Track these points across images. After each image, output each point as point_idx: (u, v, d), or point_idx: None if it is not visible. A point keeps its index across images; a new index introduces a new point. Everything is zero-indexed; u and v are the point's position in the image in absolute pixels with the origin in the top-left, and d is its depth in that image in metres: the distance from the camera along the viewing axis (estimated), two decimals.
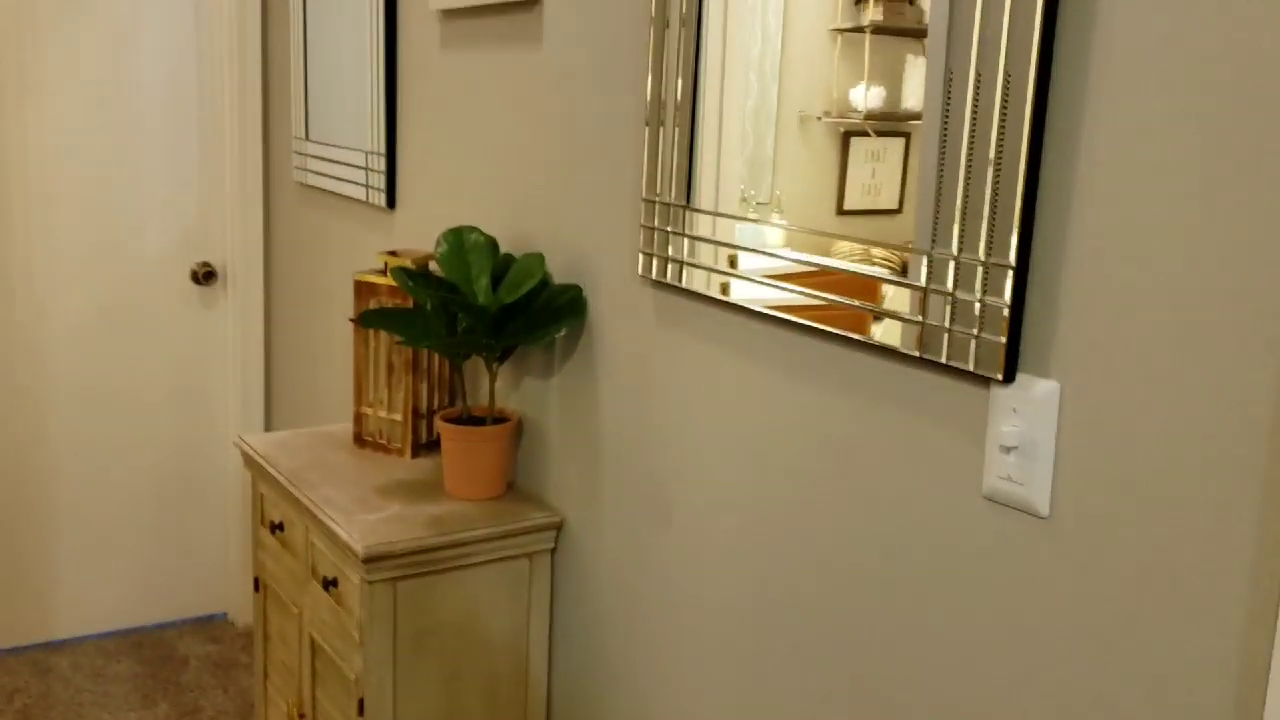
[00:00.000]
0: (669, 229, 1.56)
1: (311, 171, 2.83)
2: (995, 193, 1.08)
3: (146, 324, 3.16)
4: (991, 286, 1.10)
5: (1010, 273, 1.08)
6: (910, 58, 1.21)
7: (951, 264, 1.13)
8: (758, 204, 1.44)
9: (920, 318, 1.18)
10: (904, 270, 1.20)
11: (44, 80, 2.92)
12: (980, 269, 1.11)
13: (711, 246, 1.49)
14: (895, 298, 1.21)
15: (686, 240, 1.53)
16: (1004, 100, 1.07)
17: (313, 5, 2.74)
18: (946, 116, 1.13)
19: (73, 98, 2.97)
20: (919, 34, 1.18)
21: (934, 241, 1.15)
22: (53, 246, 3.01)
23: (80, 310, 3.07)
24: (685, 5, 1.50)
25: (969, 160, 1.11)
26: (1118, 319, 1.01)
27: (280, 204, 3.12)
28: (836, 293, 1.30)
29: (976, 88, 1.10)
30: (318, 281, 2.91)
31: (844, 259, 1.29)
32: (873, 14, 1.26)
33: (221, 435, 3.31)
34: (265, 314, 3.26)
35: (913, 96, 1.20)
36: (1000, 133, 1.08)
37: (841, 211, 1.32)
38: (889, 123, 1.24)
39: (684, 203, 1.53)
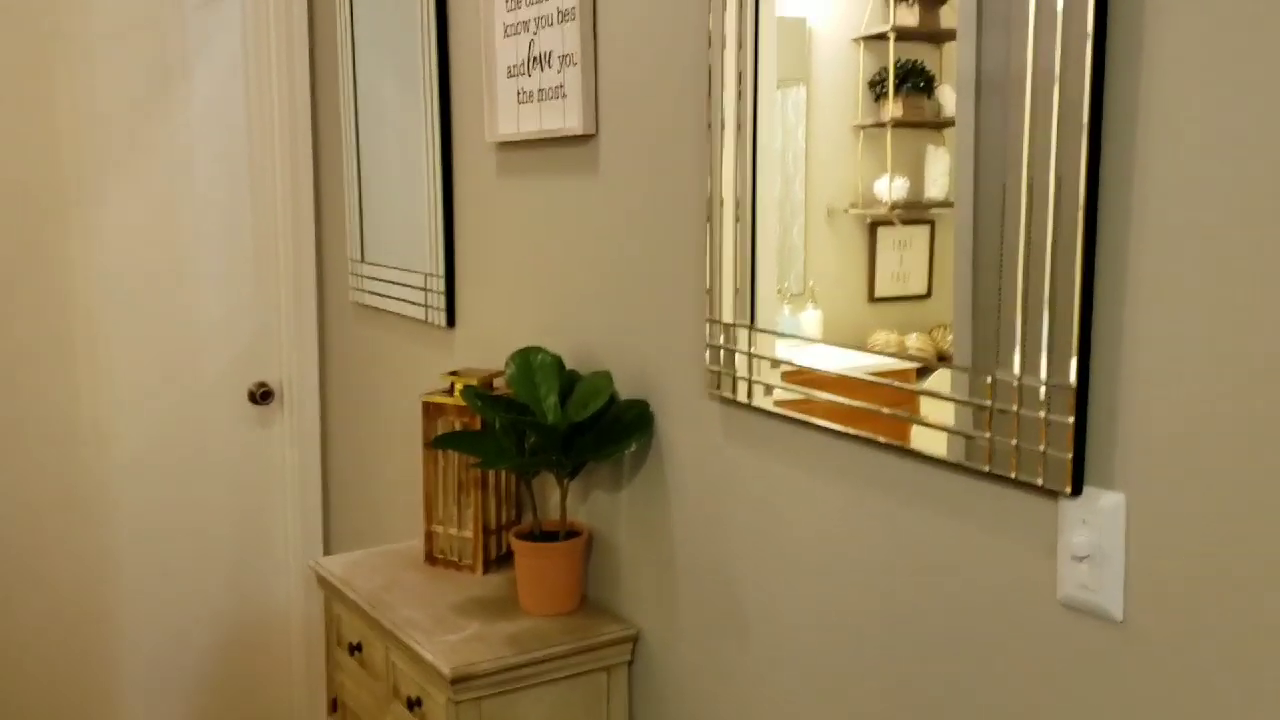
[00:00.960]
0: (733, 348, 1.63)
1: (368, 292, 2.93)
2: (1052, 317, 1.15)
3: (205, 446, 3.24)
4: (1054, 405, 1.16)
5: (1072, 393, 1.14)
6: (931, 148, 1.29)
7: (1015, 384, 1.19)
8: (792, 295, 1.51)
9: (987, 434, 1.24)
10: (940, 360, 1.26)
11: (101, 210, 3.04)
12: (1043, 389, 1.16)
13: (775, 363, 1.56)
14: (954, 408, 1.27)
15: (750, 358, 1.60)
16: (1056, 217, 1.14)
17: (365, 136, 2.86)
18: (1001, 246, 1.20)
19: (129, 225, 3.07)
20: (938, 125, 1.27)
21: (997, 361, 1.21)
22: (113, 373, 3.10)
23: (141, 434, 3.15)
24: (740, 110, 1.58)
25: (1025, 287, 1.17)
26: (1177, 430, 1.06)
27: (336, 324, 3.22)
28: (893, 401, 1.36)
29: (1028, 210, 1.16)
30: (375, 399, 2.99)
31: (883, 352, 1.36)
32: (893, 110, 1.34)
33: (280, 552, 3.37)
34: (322, 432, 3.34)
35: (934, 185, 1.28)
36: (1054, 252, 1.14)
37: (873, 299, 1.38)
38: (913, 211, 1.31)
39: (747, 322, 1.60)
